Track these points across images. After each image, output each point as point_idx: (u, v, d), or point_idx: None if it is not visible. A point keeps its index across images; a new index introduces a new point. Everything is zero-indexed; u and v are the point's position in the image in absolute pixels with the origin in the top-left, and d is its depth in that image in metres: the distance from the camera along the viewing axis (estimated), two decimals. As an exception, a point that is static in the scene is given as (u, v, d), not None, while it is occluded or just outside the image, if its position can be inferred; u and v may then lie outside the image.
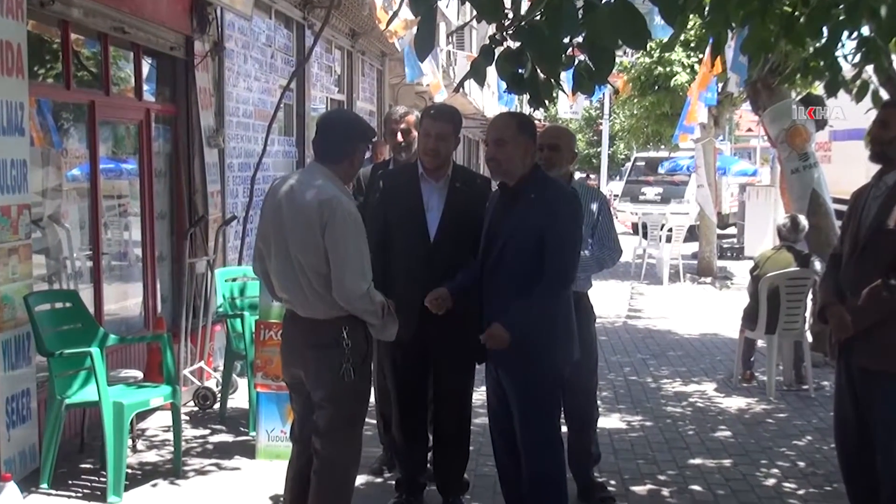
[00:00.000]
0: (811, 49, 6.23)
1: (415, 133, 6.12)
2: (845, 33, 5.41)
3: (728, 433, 7.74)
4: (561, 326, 4.85)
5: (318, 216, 4.41)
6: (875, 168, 4.82)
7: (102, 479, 6.10)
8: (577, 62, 4.76)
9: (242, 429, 7.44)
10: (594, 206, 5.75)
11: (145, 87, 8.64)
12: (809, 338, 9.42)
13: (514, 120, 4.92)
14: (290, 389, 4.88)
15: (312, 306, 4.54)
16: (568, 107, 38.83)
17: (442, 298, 4.97)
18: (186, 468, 6.55)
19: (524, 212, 4.74)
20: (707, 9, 5.81)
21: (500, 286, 4.80)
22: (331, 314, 4.52)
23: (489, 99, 27.45)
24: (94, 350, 5.91)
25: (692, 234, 21.61)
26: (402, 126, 6.26)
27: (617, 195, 30.87)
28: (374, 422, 6.39)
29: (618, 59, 19.05)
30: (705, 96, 15.04)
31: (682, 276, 18.48)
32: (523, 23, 4.33)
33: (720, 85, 14.31)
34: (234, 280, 8.23)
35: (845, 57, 7.42)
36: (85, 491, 6.06)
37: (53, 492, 5.98)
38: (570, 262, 4.75)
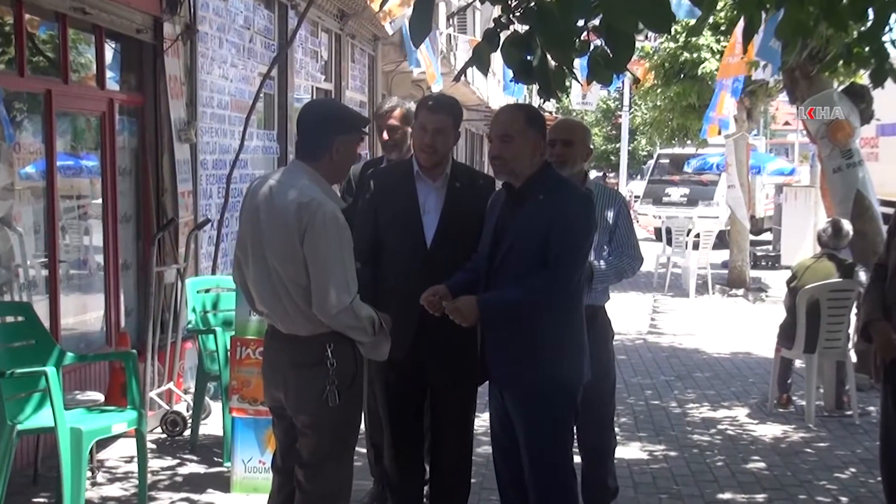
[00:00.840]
0: (855, 33, 6.23)
1: (405, 129, 6.13)
2: (894, 15, 5.41)
3: (762, 464, 7.73)
4: (571, 342, 4.84)
5: (297, 221, 4.41)
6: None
7: (58, 515, 6.09)
8: (592, 48, 4.77)
9: (216, 458, 7.44)
10: (612, 209, 5.76)
11: (108, 75, 8.65)
12: (853, 357, 9.41)
13: (521, 113, 4.92)
14: (272, 414, 4.88)
15: (293, 321, 4.54)
16: (581, 97, 38.80)
17: (440, 296, 4.90)
18: (153, 503, 6.55)
19: (531, 213, 4.75)
20: (738, -13, 5.82)
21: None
22: (314, 330, 4.51)
23: (494, 88, 27.51)
24: (50, 370, 5.90)
25: (722, 241, 21.62)
26: (390, 122, 6.25)
27: (638, 196, 30.93)
28: (365, 451, 6.38)
29: (638, 45, 19.09)
30: (734, 86, 15.04)
31: (710, 287, 18.46)
32: (532, 3, 4.35)
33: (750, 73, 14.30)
34: (207, 291, 8.23)
35: (893, 42, 7.43)
36: (38, 528, 6.06)
37: (3, 529, 5.98)
38: (573, 266, 4.73)
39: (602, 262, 5.64)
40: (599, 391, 5.62)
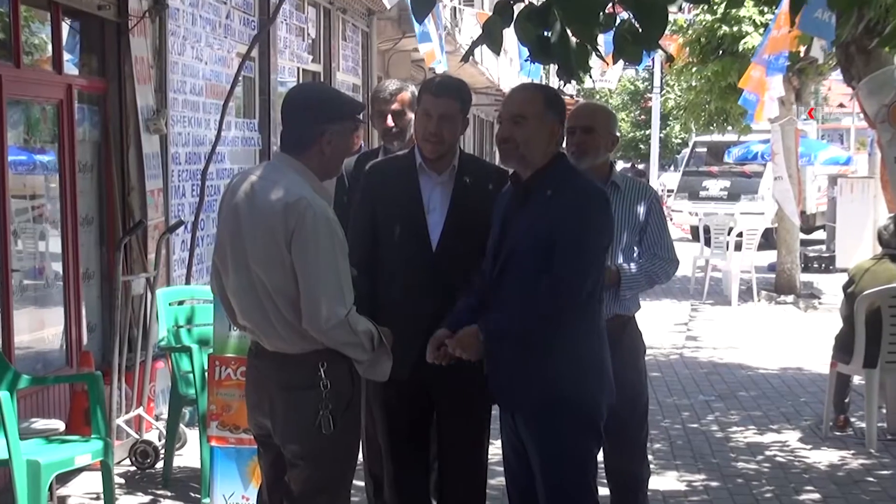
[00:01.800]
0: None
1: (410, 115, 6.13)
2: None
3: (817, 496, 7.74)
4: (588, 359, 4.82)
5: (283, 223, 4.41)
6: None
7: (14, 560, 6.11)
8: (618, 22, 4.78)
9: (193, 493, 7.45)
10: (642, 205, 5.78)
11: (66, 57, 8.66)
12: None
13: (540, 93, 4.92)
14: (257, 443, 4.89)
15: (281, 337, 4.55)
16: (599, 74, 38.36)
17: (443, 341, 4.88)
18: (121, 545, 6.57)
19: (536, 211, 4.74)
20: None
21: (504, 305, 4.80)
22: (304, 347, 4.52)
23: (506, 69, 27.52)
24: (3, 394, 5.92)
25: (768, 241, 21.62)
26: (394, 107, 6.26)
27: (671, 191, 30.93)
28: (363, 484, 6.39)
29: (671, 17, 19.10)
30: (776, 63, 14.98)
31: (755, 293, 18.46)
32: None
33: (801, 48, 14.30)
34: (180, 303, 8.24)
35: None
36: (-9, 575, 6.08)
37: (-49, 576, 6.00)
38: (582, 272, 4.71)
39: (632, 266, 5.65)
40: (629, 413, 5.63)
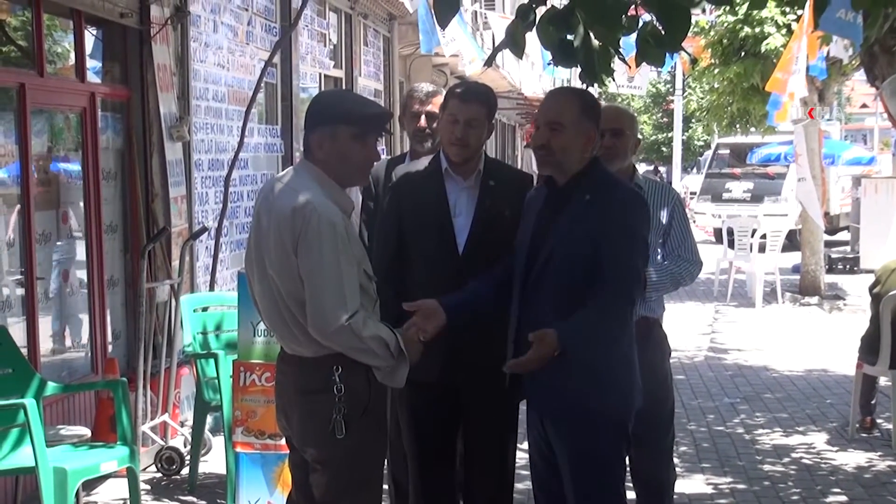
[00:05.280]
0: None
1: None
2: None
3: (843, 498, 7.71)
4: (620, 365, 4.82)
5: (290, 228, 4.43)
6: None
7: (41, 567, 6.12)
8: (641, 24, 4.77)
9: (219, 500, 7.46)
10: (666, 207, 5.78)
11: (89, 65, 8.70)
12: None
13: (577, 99, 4.87)
14: (287, 444, 4.89)
15: (297, 341, 4.56)
16: (627, 80, 38.50)
17: (425, 313, 4.86)
18: (148, 551, 6.59)
19: (576, 217, 4.73)
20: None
21: (541, 311, 4.79)
22: (319, 351, 4.52)
23: (528, 73, 27.51)
24: (29, 402, 5.94)
25: (792, 242, 21.53)
26: (428, 108, 6.26)
27: (694, 193, 30.82)
28: (385, 487, 6.38)
29: (693, 19, 19.03)
30: (817, 66, 14.90)
31: (779, 295, 18.39)
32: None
33: (825, 49, 14.23)
34: (205, 309, 8.26)
35: None
36: (19, 582, 6.10)
37: (-21, 583, 6.02)
38: (635, 280, 4.74)
39: (655, 269, 5.64)
40: (656, 417, 5.61)
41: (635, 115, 6.13)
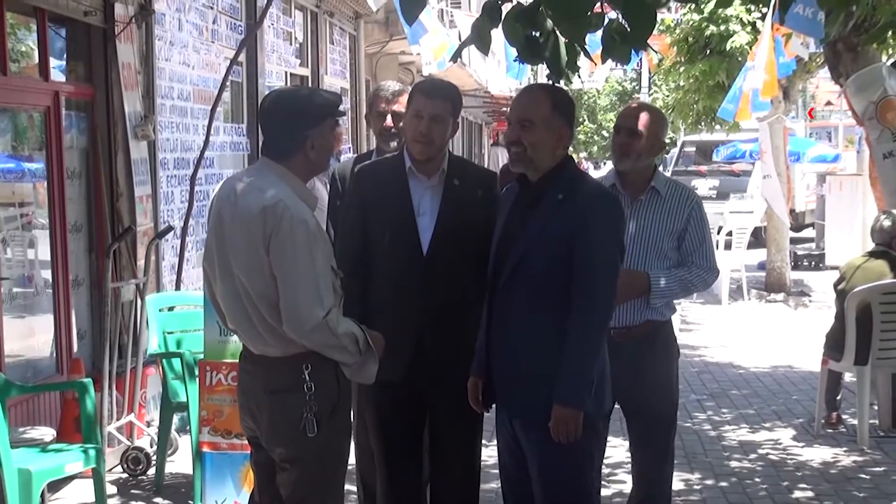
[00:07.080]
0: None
1: None
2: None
3: (810, 493, 7.74)
4: (589, 364, 4.79)
5: (261, 227, 4.42)
6: None
7: (6, 570, 6.09)
8: (606, 21, 4.77)
9: (185, 500, 7.42)
10: (683, 211, 5.69)
11: (53, 64, 8.64)
12: (913, 369, 9.42)
13: (548, 96, 4.87)
14: (250, 444, 4.88)
15: (265, 341, 4.56)
16: (588, 75, 38.37)
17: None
18: (114, 553, 6.55)
19: (548, 217, 4.73)
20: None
21: (513, 314, 4.78)
22: (288, 351, 4.52)
23: (494, 70, 27.50)
24: (-7, 403, 5.90)
25: (758, 239, 21.61)
26: (395, 107, 6.25)
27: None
28: (354, 488, 6.37)
29: (658, 17, 19.06)
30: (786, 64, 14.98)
31: (745, 292, 18.48)
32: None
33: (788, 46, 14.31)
34: (170, 309, 8.22)
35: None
36: (-17, 585, 6.05)
37: (-58, 587, 5.97)
38: (606, 286, 4.71)
39: (664, 276, 5.58)
40: (660, 414, 5.68)
41: (665, 118, 5.98)
